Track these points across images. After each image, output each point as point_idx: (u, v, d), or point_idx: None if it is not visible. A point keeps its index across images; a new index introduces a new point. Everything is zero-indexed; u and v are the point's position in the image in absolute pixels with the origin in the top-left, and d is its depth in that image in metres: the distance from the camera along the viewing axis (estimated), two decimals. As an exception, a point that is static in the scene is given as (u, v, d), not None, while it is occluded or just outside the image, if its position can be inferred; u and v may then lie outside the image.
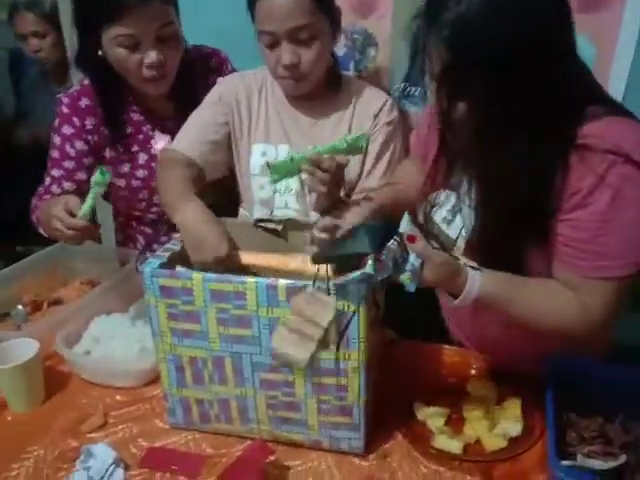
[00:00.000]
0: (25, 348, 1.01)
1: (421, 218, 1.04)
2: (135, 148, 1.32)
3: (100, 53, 1.20)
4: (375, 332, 0.90)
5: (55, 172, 1.29)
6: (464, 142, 0.90)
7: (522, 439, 0.91)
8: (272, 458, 0.88)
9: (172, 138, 1.26)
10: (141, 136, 1.32)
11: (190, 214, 1.01)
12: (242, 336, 0.85)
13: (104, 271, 1.38)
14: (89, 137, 1.29)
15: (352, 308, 0.79)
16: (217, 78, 1.30)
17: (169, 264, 0.90)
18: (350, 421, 0.88)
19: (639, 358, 0.98)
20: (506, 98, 0.78)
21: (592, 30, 1.25)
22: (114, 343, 1.10)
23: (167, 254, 0.91)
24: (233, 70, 1.39)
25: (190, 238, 0.98)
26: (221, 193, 1.27)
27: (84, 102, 1.28)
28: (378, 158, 1.21)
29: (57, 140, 1.29)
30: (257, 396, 0.90)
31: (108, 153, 1.32)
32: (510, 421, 0.94)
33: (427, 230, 1.03)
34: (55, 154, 1.30)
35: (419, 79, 1.33)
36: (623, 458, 0.87)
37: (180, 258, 0.94)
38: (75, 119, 1.28)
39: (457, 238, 0.98)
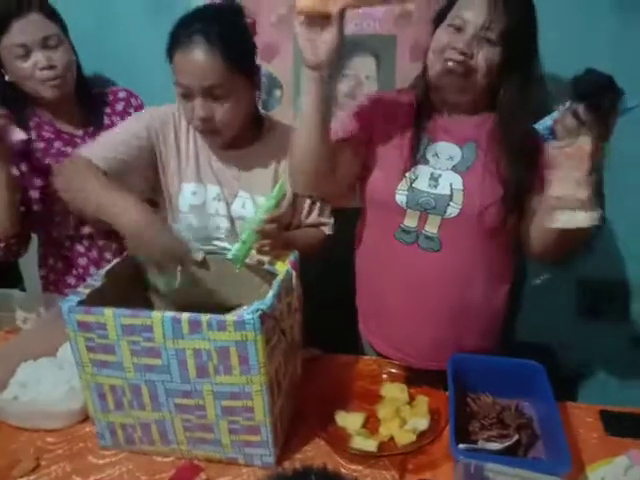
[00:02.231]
0: (-50, 400, 1.02)
1: (405, 191, 1.11)
2: (48, 161, 1.38)
3: (7, 78, 1.29)
4: (279, 357, 0.98)
5: None
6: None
7: (429, 432, 1.02)
8: (203, 477, 0.95)
9: None
10: (53, 150, 1.39)
11: (134, 215, 1.04)
12: (153, 365, 0.92)
13: (29, 319, 1.39)
14: None
15: (250, 337, 0.88)
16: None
17: (90, 300, 0.96)
18: (260, 439, 0.96)
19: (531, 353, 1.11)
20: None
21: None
22: (41, 386, 1.12)
23: (87, 290, 0.98)
24: None
25: (144, 241, 1.04)
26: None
27: None
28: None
29: None
30: (174, 419, 0.97)
31: (24, 167, 1.37)
32: (418, 417, 1.05)
33: (412, 201, 1.12)
34: None
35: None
36: (516, 437, 1.00)
37: (102, 293, 1.00)
38: None
39: (451, 193, 1.09)
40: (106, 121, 1.45)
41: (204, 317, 0.88)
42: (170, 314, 0.89)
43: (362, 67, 1.50)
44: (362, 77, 1.50)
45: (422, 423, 1.03)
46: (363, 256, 1.28)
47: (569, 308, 1.59)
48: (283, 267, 1.05)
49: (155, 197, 1.29)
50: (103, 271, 1.05)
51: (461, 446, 0.91)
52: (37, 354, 1.21)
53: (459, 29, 1.02)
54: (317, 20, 0.94)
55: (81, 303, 0.94)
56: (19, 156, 1.35)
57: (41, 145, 1.38)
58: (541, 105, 1.07)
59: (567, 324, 1.59)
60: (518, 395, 1.10)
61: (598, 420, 1.09)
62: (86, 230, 1.43)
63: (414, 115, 1.15)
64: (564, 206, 0.96)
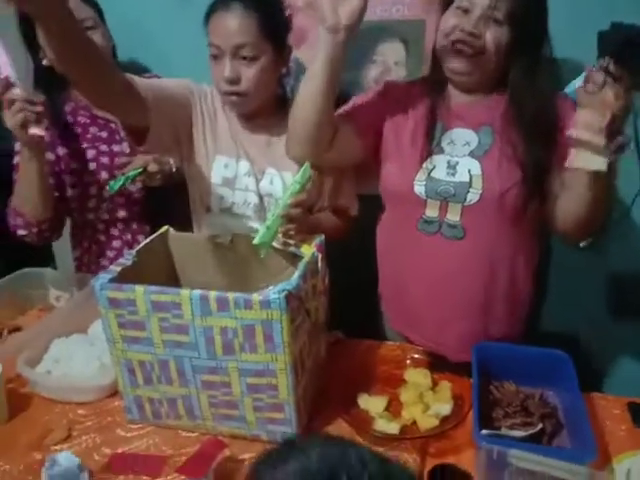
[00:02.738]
0: (-13, 371, 1.06)
1: (423, 181, 1.11)
2: (84, 145, 1.41)
3: (45, 62, 1.29)
4: (304, 337, 1.00)
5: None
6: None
7: (452, 417, 1.02)
8: (227, 453, 0.97)
9: (113, 138, 1.42)
10: (89, 135, 1.42)
11: None
12: (182, 342, 0.95)
13: (62, 297, 1.44)
14: None
15: (275, 316, 0.89)
16: None
17: (121, 278, 0.98)
18: (283, 417, 0.98)
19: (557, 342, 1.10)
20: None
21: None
22: (74, 362, 1.16)
23: (119, 268, 1.00)
24: None
25: None
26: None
27: None
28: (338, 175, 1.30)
29: (17, 145, 1.36)
30: (200, 395, 0.99)
31: (60, 151, 1.40)
32: (442, 402, 1.05)
33: (431, 191, 1.11)
34: (17, 158, 1.36)
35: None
36: (539, 426, 0.99)
37: (133, 271, 1.02)
38: None
39: (470, 179, 1.08)
40: None
41: (231, 295, 0.90)
42: (198, 292, 0.91)
43: (390, 53, 1.49)
44: (390, 63, 1.49)
45: (445, 408, 1.03)
46: (385, 248, 1.28)
47: (598, 297, 1.56)
48: (309, 250, 1.06)
49: (185, 167, 1.31)
50: (134, 250, 1.07)
51: (484, 432, 0.91)
52: (69, 331, 1.25)
53: (466, 11, 1.02)
54: None
55: (112, 280, 0.96)
56: (58, 139, 1.39)
57: (77, 130, 1.41)
58: (552, 85, 1.08)
59: (595, 314, 1.56)
60: (542, 384, 1.09)
61: (626, 412, 1.07)
62: (121, 214, 1.46)
63: (427, 104, 1.15)
64: (584, 148, 0.95)
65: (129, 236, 1.50)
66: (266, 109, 1.26)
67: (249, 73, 1.16)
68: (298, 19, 1.52)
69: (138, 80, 1.13)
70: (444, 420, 1.02)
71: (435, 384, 1.11)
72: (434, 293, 1.18)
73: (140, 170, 1.33)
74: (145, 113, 1.12)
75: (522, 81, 1.06)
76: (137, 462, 0.97)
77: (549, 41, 1.06)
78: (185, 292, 0.91)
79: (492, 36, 1.01)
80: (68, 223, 1.55)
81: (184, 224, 1.31)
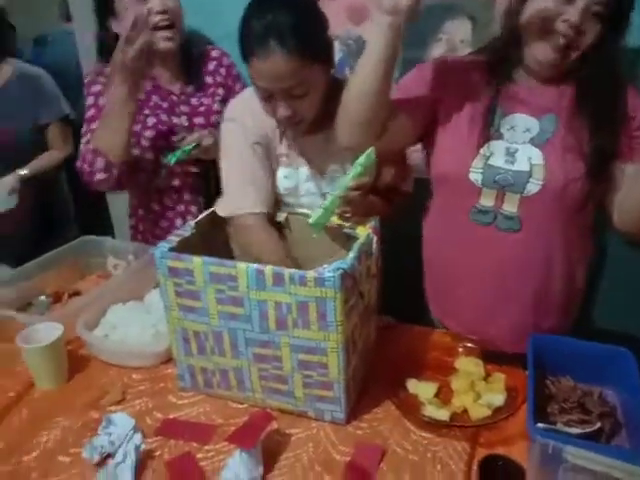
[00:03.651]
0: (50, 331, 1.11)
1: (480, 169, 1.06)
2: (146, 112, 1.43)
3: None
4: (356, 318, 0.99)
5: (94, 125, 1.39)
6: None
7: (505, 409, 0.99)
8: (275, 426, 0.98)
9: (173, 110, 1.44)
10: (151, 103, 1.44)
11: None
12: (236, 314, 0.96)
13: (119, 265, 1.48)
14: None
15: (329, 294, 0.88)
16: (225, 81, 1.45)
17: (179, 248, 1.00)
18: (332, 395, 0.97)
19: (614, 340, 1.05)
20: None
21: None
22: (130, 328, 1.20)
23: (178, 239, 1.02)
24: (237, 75, 1.50)
25: None
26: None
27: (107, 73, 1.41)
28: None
29: (90, 100, 1.42)
30: (251, 368, 1.00)
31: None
32: (494, 393, 1.02)
33: (488, 179, 1.07)
34: (91, 112, 1.42)
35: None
36: (598, 425, 0.95)
37: (191, 243, 1.04)
38: (101, 79, 1.42)
39: (530, 169, 1.03)
40: (206, 80, 1.48)
41: (287, 271, 0.90)
42: (255, 266, 0.91)
43: (456, 31, 1.44)
44: (456, 41, 1.44)
45: (498, 399, 1.00)
46: (433, 237, 1.23)
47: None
48: (364, 231, 1.05)
49: None
50: (193, 222, 1.08)
51: (540, 425, 0.88)
52: (126, 298, 1.29)
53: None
54: None
55: (172, 250, 0.98)
56: None
57: (141, 96, 1.43)
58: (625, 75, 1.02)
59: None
60: (600, 382, 1.04)
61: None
62: (175, 183, 1.48)
63: (489, 85, 1.08)
64: None
65: (182, 207, 1.52)
66: (321, 111, 1.19)
67: (304, 106, 1.12)
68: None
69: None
70: (496, 411, 0.99)
71: (488, 374, 1.08)
72: (485, 285, 1.15)
73: (194, 145, 1.35)
74: None
75: (601, 72, 1.00)
76: (187, 428, 0.99)
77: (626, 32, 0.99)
78: (242, 265, 0.92)
79: (591, 33, 0.95)
80: (127, 194, 1.59)
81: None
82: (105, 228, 2.05)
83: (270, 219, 1.20)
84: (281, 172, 1.25)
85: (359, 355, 1.03)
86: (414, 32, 1.47)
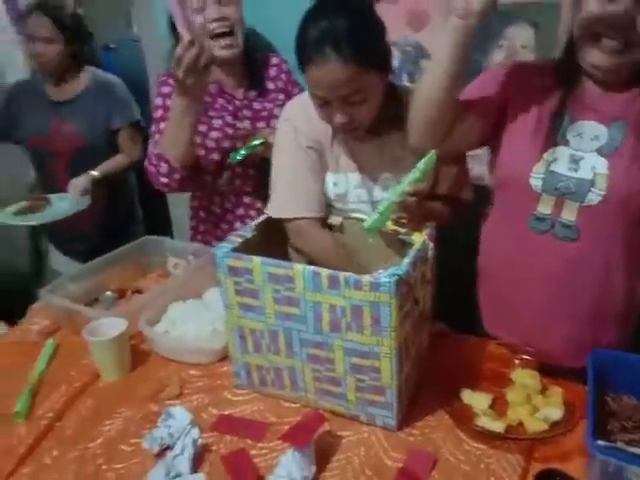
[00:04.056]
0: (114, 325, 1.16)
1: (541, 174, 1.05)
2: (212, 114, 1.48)
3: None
4: (410, 324, 0.99)
5: (163, 125, 1.44)
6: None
7: (563, 423, 0.96)
8: (327, 428, 0.99)
9: (236, 114, 1.47)
10: (217, 105, 1.49)
11: None
12: (292, 314, 0.98)
13: (179, 264, 1.54)
14: None
15: (384, 299, 0.89)
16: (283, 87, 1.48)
17: (240, 249, 1.03)
18: (384, 400, 0.97)
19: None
20: None
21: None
22: (189, 325, 1.24)
23: (239, 239, 1.05)
24: (296, 81, 1.53)
25: None
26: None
27: None
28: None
29: (159, 101, 1.48)
30: (305, 368, 1.02)
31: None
32: (552, 407, 0.99)
33: (549, 186, 1.05)
34: (159, 112, 1.47)
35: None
36: (664, 446, 0.91)
37: (251, 244, 1.07)
38: (172, 80, 1.45)
39: (593, 178, 1.01)
40: (267, 86, 1.52)
41: (342, 274, 0.91)
42: (311, 268, 0.93)
43: (518, 36, 1.42)
44: (518, 47, 1.43)
45: (555, 413, 0.98)
46: (490, 245, 1.22)
47: None
48: (420, 237, 1.05)
49: None
50: (253, 224, 1.12)
51: (600, 442, 0.85)
52: (185, 296, 1.34)
53: None
54: None
55: (233, 250, 1.02)
56: None
57: (208, 99, 1.47)
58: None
59: None
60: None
61: None
62: (237, 184, 1.52)
63: (557, 91, 1.05)
64: None
65: (242, 210, 1.56)
66: (377, 117, 1.19)
67: (361, 113, 1.12)
68: (415, 1, 1.49)
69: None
70: (553, 425, 0.97)
71: (544, 388, 1.05)
72: (540, 295, 1.12)
73: (261, 141, 1.39)
74: None
75: None
76: (242, 425, 1.02)
77: None
78: (299, 267, 0.94)
79: None
80: (188, 195, 1.65)
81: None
82: (165, 229, 2.13)
83: (322, 222, 1.22)
84: (330, 178, 1.25)
85: (412, 361, 1.03)
86: (475, 39, 1.45)
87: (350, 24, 1.05)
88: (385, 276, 0.89)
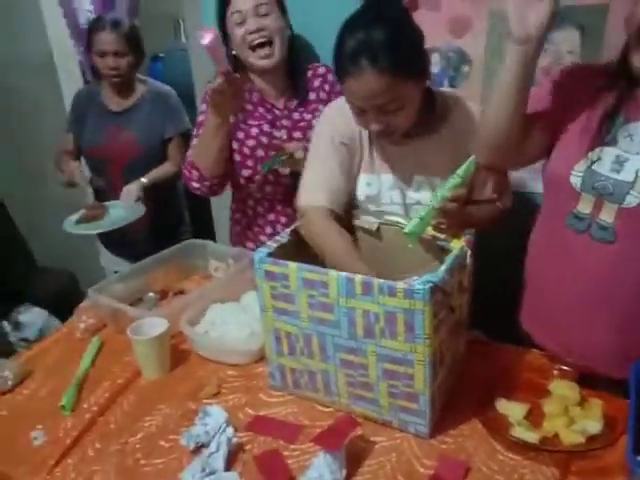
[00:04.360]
0: (156, 325, 1.21)
1: (581, 172, 1.04)
2: (251, 122, 1.53)
3: (233, 52, 1.47)
4: (445, 332, 0.98)
5: (202, 130, 1.50)
6: None
7: (602, 437, 0.94)
8: (360, 432, 1.00)
9: (275, 123, 1.51)
10: (257, 114, 1.54)
11: None
12: (326, 319, 0.99)
13: (220, 267, 1.58)
14: None
15: (418, 307, 0.89)
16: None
17: (276, 253, 1.05)
18: (417, 407, 0.97)
19: None
20: None
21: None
22: (228, 327, 1.27)
23: (275, 245, 1.08)
24: (339, 92, 1.55)
25: None
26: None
27: None
28: None
29: (203, 107, 1.54)
30: (338, 373, 1.03)
31: (231, 119, 1.51)
32: (590, 420, 0.97)
33: (587, 184, 1.04)
34: (201, 117, 1.54)
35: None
36: None
37: (287, 249, 1.09)
38: None
39: (635, 180, 0.99)
40: (310, 97, 1.54)
41: (376, 281, 0.92)
42: (345, 274, 0.94)
43: (564, 41, 1.39)
44: (563, 51, 1.39)
45: (594, 426, 0.95)
46: (534, 244, 1.20)
47: None
48: (458, 244, 1.04)
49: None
50: (290, 229, 1.14)
51: (640, 458, 0.83)
52: (224, 299, 1.38)
53: None
54: None
55: (269, 255, 1.04)
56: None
57: (248, 107, 1.53)
58: None
59: None
60: None
61: None
62: (268, 190, 1.56)
63: (612, 91, 1.03)
64: None
65: (272, 216, 1.60)
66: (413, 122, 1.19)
67: (397, 121, 1.13)
68: (460, 8, 1.48)
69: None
70: (591, 439, 0.94)
71: (584, 400, 1.03)
72: (578, 298, 1.09)
73: (286, 156, 1.43)
74: None
75: None
76: (276, 426, 1.04)
77: None
78: (333, 273, 0.95)
79: None
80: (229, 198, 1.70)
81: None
82: (211, 232, 2.19)
83: (338, 219, 1.21)
84: (363, 179, 1.27)
85: (446, 369, 1.03)
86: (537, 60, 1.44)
87: (387, 35, 1.06)
88: (419, 283, 0.89)
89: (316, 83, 1.56)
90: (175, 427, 1.06)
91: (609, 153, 1.02)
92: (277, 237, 1.11)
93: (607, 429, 0.95)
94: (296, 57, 1.54)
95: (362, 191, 1.27)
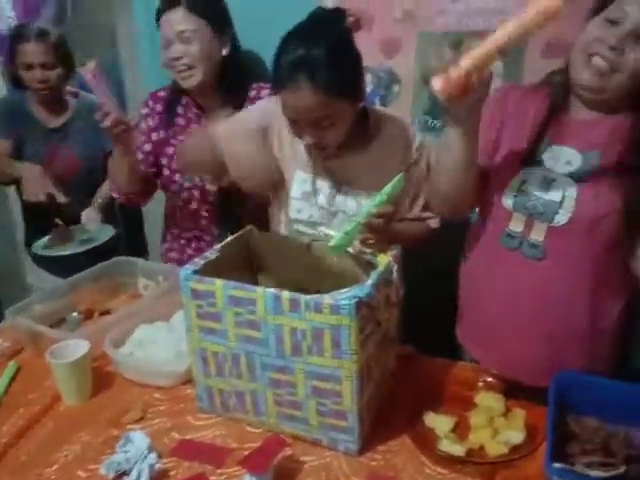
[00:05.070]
0: (78, 347, 1.15)
1: (514, 193, 1.08)
2: (181, 137, 1.52)
3: None
4: (373, 346, 0.99)
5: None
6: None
7: (523, 447, 0.96)
8: (289, 452, 0.98)
9: None
10: (190, 130, 1.53)
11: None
12: (253, 337, 0.97)
13: (149, 285, 1.53)
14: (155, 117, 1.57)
15: (344, 322, 0.89)
16: None
17: (204, 271, 1.03)
18: (346, 425, 0.97)
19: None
20: None
21: None
22: (155, 347, 1.23)
23: (203, 262, 1.05)
24: None
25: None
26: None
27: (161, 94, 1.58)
28: (419, 185, 1.28)
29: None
30: (267, 392, 1.01)
31: (162, 134, 1.55)
32: (513, 430, 0.99)
33: (519, 204, 1.08)
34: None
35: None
36: (622, 468, 0.91)
37: (214, 268, 1.06)
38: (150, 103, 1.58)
39: (562, 200, 1.03)
40: None
41: (303, 297, 0.91)
42: (272, 291, 0.93)
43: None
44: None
45: (517, 436, 0.98)
46: (469, 260, 1.24)
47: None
48: (384, 259, 1.05)
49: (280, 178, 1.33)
50: (219, 246, 1.12)
51: (557, 465, 0.85)
52: (154, 318, 1.33)
53: (615, 23, 0.95)
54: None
55: (196, 272, 1.01)
56: (162, 123, 1.55)
57: (182, 122, 1.53)
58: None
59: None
60: (629, 423, 1.00)
61: None
62: (193, 206, 1.56)
63: (541, 113, 1.09)
64: None
65: (197, 232, 1.60)
66: (347, 137, 1.21)
67: (328, 137, 1.15)
68: (390, 30, 1.52)
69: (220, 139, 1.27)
70: (514, 449, 0.97)
71: (508, 410, 1.05)
72: (507, 311, 1.14)
73: None
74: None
75: None
76: (202, 450, 1.01)
77: None
78: (260, 289, 0.94)
79: (636, 57, 0.94)
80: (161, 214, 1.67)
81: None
82: (140, 249, 2.12)
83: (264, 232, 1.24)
84: (298, 175, 1.27)
85: (375, 384, 1.03)
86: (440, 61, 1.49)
87: (327, 53, 1.07)
88: (345, 298, 0.89)
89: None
90: (95, 456, 1.00)
91: (537, 174, 1.07)
92: (205, 254, 1.09)
93: (529, 438, 0.98)
94: (234, 76, 1.52)
95: (298, 187, 1.27)
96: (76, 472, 0.97)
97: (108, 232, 1.83)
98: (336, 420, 0.97)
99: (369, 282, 0.95)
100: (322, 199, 1.27)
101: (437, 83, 0.90)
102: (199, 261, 1.06)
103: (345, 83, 1.11)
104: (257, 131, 1.27)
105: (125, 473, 0.93)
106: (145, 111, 1.57)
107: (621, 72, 0.96)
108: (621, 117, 1.03)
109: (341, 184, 1.26)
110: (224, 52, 1.48)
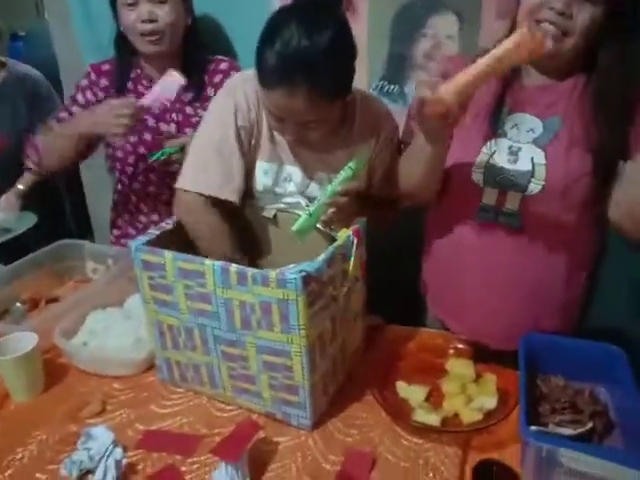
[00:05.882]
0: (25, 341, 1.06)
1: (482, 168, 1.06)
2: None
3: (122, 29, 1.37)
4: (327, 321, 0.96)
5: (62, 114, 1.46)
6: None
7: (497, 412, 0.97)
8: (262, 434, 0.95)
9: (164, 116, 1.42)
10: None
11: None
12: (205, 310, 0.96)
13: (98, 269, 1.44)
14: (99, 93, 1.45)
15: (291, 297, 0.86)
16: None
17: (159, 242, 0.99)
18: (297, 400, 0.95)
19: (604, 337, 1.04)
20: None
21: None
22: (109, 335, 1.15)
23: (158, 232, 1.01)
24: None
25: None
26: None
27: (105, 67, 1.46)
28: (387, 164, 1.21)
29: (79, 98, 1.46)
30: (221, 365, 1.00)
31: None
32: (486, 396, 1.00)
33: (490, 179, 1.06)
34: (73, 108, 1.46)
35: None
36: (590, 425, 0.94)
37: (171, 238, 1.03)
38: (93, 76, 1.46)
39: (532, 168, 1.02)
40: (207, 92, 1.42)
41: (250, 270, 0.88)
42: (220, 263, 0.90)
43: (443, 26, 1.41)
44: (442, 37, 1.42)
45: (490, 402, 0.98)
46: (437, 235, 1.22)
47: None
48: (344, 234, 1.01)
49: None
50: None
51: (533, 428, 0.86)
52: (105, 304, 1.25)
53: None
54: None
55: (149, 243, 0.98)
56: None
57: (131, 98, 1.37)
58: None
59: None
60: (593, 380, 1.03)
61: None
62: (151, 189, 1.46)
63: (495, 83, 1.06)
64: None
65: (155, 216, 1.50)
66: None
67: (314, 135, 1.07)
68: None
69: None
70: (488, 414, 0.97)
71: (479, 376, 1.06)
72: (486, 282, 1.14)
73: (178, 148, 1.32)
74: None
75: (613, 64, 0.96)
76: (170, 440, 0.96)
77: None
78: (209, 262, 0.91)
79: (584, 17, 0.92)
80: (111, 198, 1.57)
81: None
82: (85, 232, 1.99)
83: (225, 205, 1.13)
84: (260, 166, 1.18)
85: (332, 360, 1.01)
86: (399, 27, 1.44)
87: (328, 48, 0.96)
88: (292, 273, 0.86)
89: (216, 79, 1.43)
90: (54, 455, 0.94)
91: (502, 145, 1.05)
92: (161, 224, 1.03)
93: (501, 403, 0.99)
94: (195, 46, 1.42)
95: (260, 180, 1.18)
96: (34, 475, 0.91)
97: (29, 220, 1.63)
98: (288, 395, 0.96)
99: (322, 257, 0.92)
100: (292, 186, 1.19)
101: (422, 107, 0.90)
102: (154, 231, 1.02)
103: (343, 84, 1.05)
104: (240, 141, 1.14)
105: (89, 472, 0.88)
106: (84, 83, 1.44)
107: (572, 35, 0.94)
108: (575, 79, 1.02)
109: (316, 168, 1.19)
110: (189, 21, 1.38)
